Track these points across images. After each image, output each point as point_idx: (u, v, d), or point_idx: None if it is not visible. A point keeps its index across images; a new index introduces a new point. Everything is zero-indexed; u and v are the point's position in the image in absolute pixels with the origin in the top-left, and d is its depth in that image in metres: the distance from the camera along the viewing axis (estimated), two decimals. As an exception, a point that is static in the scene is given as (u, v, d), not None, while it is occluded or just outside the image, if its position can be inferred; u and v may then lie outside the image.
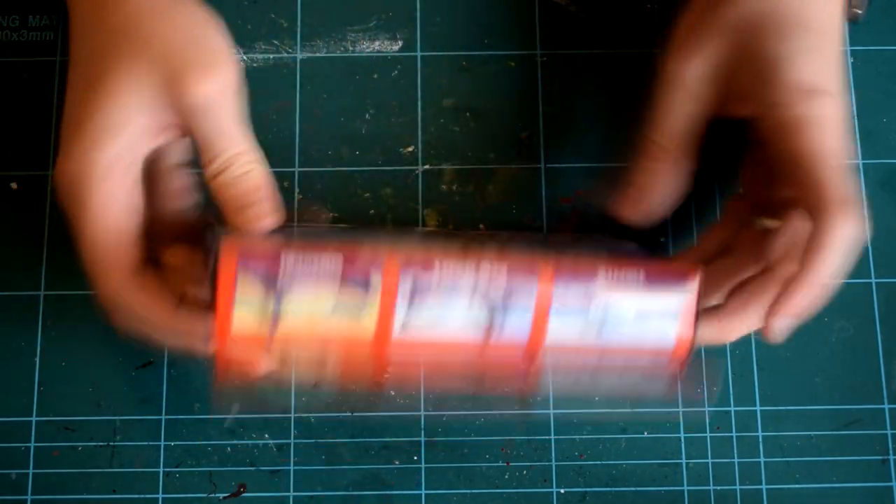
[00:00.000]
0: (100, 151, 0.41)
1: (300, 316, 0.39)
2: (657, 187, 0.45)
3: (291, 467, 0.48)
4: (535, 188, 0.51)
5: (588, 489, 0.48)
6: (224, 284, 0.39)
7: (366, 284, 0.39)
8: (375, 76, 0.52)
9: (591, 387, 0.45)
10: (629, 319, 0.41)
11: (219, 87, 0.42)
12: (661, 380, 0.42)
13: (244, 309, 0.39)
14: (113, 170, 0.42)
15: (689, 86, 0.44)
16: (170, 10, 0.43)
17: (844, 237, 0.40)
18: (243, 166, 0.43)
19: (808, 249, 0.40)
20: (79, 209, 0.42)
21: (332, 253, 0.39)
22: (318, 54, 0.53)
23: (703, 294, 0.42)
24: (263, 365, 0.45)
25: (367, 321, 0.39)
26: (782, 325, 0.42)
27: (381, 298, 0.39)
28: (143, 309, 0.42)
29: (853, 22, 0.49)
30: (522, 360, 0.41)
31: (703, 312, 0.42)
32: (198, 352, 0.44)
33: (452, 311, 0.39)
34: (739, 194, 0.47)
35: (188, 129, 0.43)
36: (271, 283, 0.39)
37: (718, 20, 0.44)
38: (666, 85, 0.45)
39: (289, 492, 0.48)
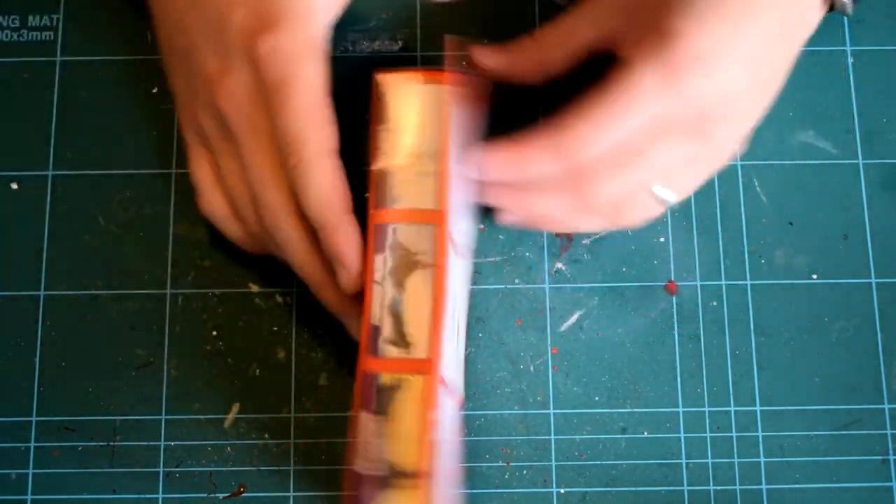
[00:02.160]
0: (316, 23, 0.44)
1: None
2: (518, 66, 0.48)
3: (291, 467, 0.48)
4: (535, 188, 0.51)
5: (588, 489, 0.48)
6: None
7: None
8: (375, 76, 0.52)
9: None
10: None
11: None
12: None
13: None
14: (322, 45, 0.44)
15: (593, 10, 0.46)
16: None
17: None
18: None
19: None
20: (294, 78, 0.43)
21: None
22: (318, 54, 0.53)
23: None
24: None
25: None
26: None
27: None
28: (329, 188, 0.43)
29: (843, 14, 0.49)
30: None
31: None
32: (328, 291, 0.46)
33: None
34: None
35: None
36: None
37: None
38: (574, 9, 0.47)
39: (289, 492, 0.48)
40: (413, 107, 0.44)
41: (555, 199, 0.45)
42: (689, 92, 0.43)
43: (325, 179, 0.43)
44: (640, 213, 0.46)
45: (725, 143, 0.45)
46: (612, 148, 0.43)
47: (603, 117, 0.43)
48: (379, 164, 0.44)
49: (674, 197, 0.46)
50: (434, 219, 0.43)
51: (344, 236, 0.43)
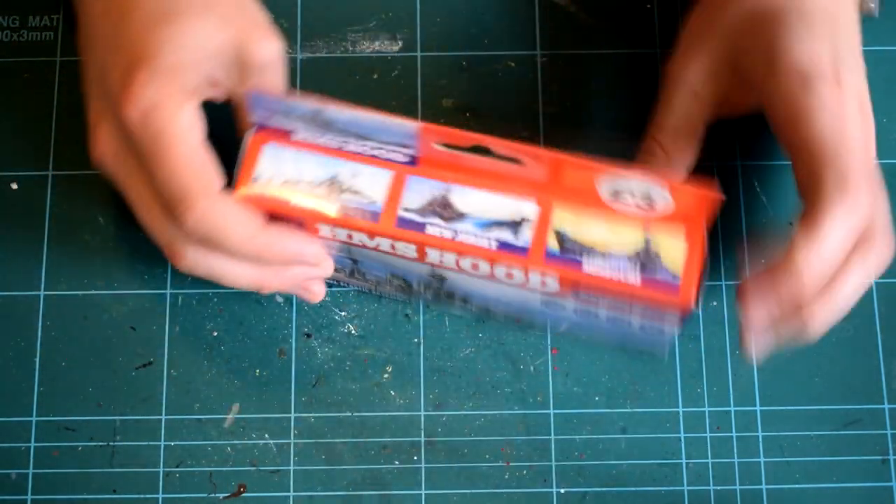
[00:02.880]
0: (183, 78, 0.42)
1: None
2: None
3: (291, 467, 0.48)
4: (535, 188, 0.51)
5: (588, 489, 0.48)
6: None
7: None
8: (375, 76, 0.52)
9: None
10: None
11: (278, 51, 0.44)
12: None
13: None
14: (192, 98, 0.43)
15: (690, 86, 0.45)
16: None
17: (841, 223, 0.40)
18: None
19: (796, 234, 0.40)
20: (163, 133, 0.41)
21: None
22: (318, 54, 0.53)
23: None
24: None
25: None
26: (761, 318, 0.41)
27: None
28: (236, 225, 0.42)
29: (868, 16, 0.49)
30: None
31: None
32: (276, 281, 0.45)
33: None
34: None
35: (241, 87, 0.44)
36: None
37: (718, 22, 0.45)
38: (669, 85, 0.46)
39: (289, 492, 0.48)
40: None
41: None
42: (869, 192, 0.41)
43: (233, 222, 0.42)
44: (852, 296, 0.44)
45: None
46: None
47: (816, 259, 0.40)
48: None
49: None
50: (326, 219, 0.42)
51: (294, 248, 0.43)
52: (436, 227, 0.41)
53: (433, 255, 0.41)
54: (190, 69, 0.43)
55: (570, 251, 0.40)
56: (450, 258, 0.41)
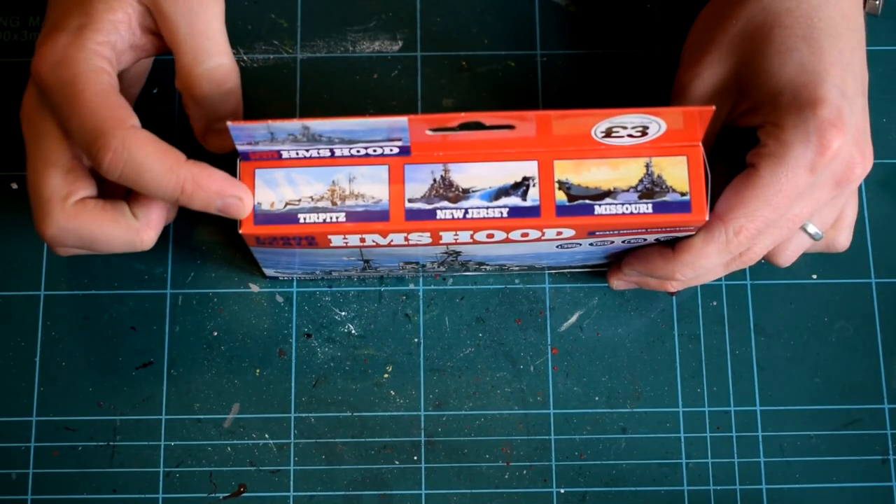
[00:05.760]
0: (92, 35, 0.42)
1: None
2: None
3: (291, 467, 0.48)
4: (535, 188, 0.51)
5: (588, 489, 0.48)
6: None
7: None
8: (375, 76, 0.52)
9: None
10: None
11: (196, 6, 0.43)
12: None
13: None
14: (104, 52, 0.42)
15: (696, 98, 0.45)
16: None
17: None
18: (225, 74, 0.44)
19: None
20: (72, 80, 0.41)
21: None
22: (318, 54, 0.53)
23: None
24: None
25: None
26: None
27: None
28: (154, 157, 0.40)
29: (872, 14, 0.49)
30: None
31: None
32: (199, 201, 0.42)
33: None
34: None
35: (169, 31, 0.43)
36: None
37: (723, 35, 0.44)
38: (676, 96, 0.46)
39: (289, 492, 0.48)
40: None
41: (712, 275, 0.46)
42: (834, 153, 0.42)
43: (152, 154, 0.40)
44: (791, 254, 0.46)
45: (862, 173, 0.44)
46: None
47: (761, 209, 0.42)
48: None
49: (821, 234, 0.45)
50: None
51: (210, 181, 0.41)
52: (445, 211, 0.41)
53: (448, 236, 0.42)
54: (103, 26, 0.42)
55: (578, 199, 0.41)
56: (464, 236, 0.42)
